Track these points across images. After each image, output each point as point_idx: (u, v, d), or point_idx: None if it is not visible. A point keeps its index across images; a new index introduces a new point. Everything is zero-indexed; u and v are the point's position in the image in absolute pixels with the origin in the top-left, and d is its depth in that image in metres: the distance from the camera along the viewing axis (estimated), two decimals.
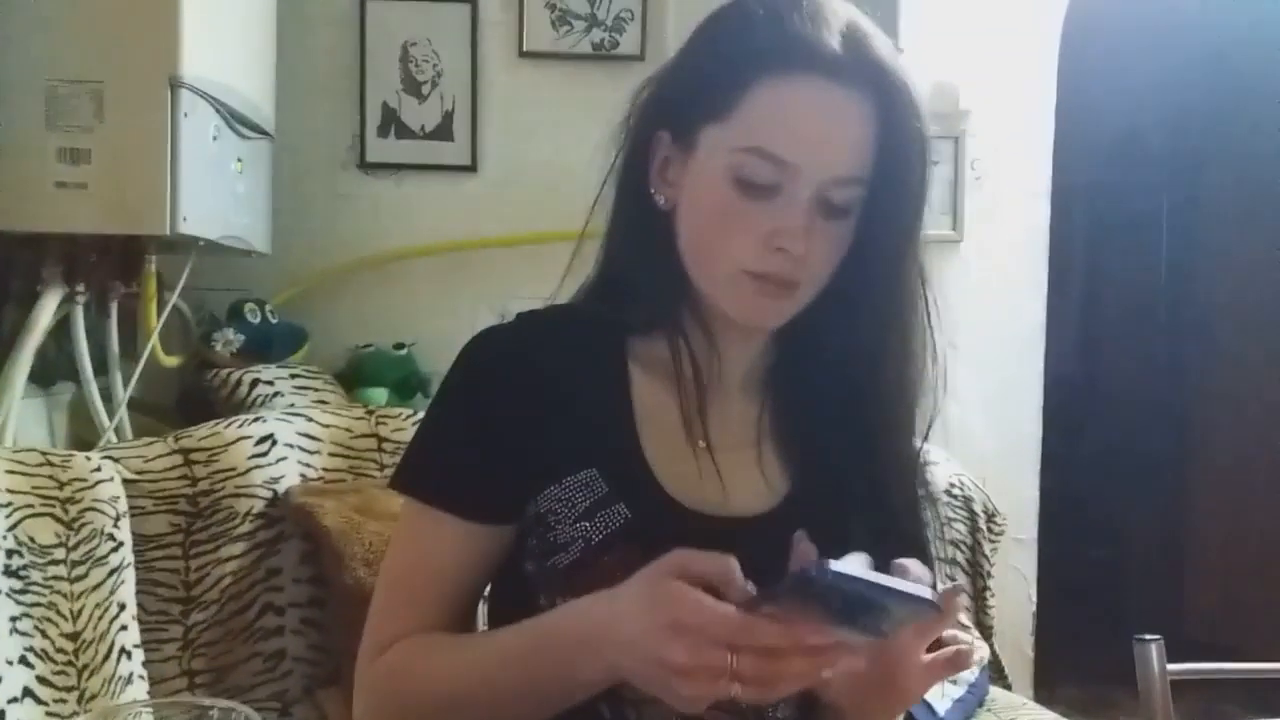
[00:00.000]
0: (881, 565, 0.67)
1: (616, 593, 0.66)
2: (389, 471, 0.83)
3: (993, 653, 1.81)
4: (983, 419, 2.13)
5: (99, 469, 1.35)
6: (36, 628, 1.20)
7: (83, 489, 1.31)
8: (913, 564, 0.64)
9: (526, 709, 0.71)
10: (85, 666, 1.24)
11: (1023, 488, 2.24)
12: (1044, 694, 2.17)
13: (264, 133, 1.84)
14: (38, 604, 1.21)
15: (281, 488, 1.51)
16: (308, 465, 1.56)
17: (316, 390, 1.89)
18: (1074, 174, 2.54)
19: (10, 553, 1.19)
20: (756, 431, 0.81)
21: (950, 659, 0.66)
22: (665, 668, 0.61)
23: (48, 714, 1.18)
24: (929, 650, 0.68)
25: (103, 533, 1.30)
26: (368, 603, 0.80)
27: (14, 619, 1.17)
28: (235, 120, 1.69)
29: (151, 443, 1.50)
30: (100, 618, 1.27)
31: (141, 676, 1.32)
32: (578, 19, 2.12)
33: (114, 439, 1.65)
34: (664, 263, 0.78)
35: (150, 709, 0.55)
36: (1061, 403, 2.50)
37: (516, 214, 2.09)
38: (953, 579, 1.79)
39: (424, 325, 2.06)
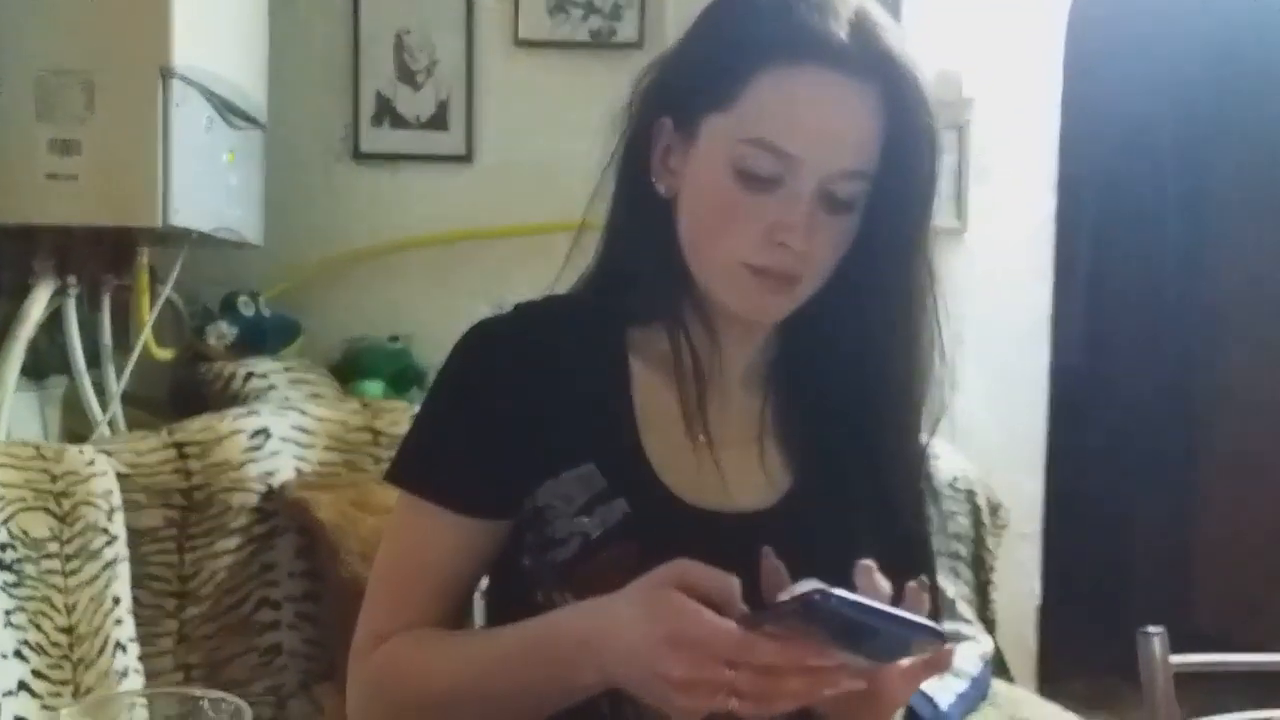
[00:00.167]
0: (883, 565, 0.65)
1: (615, 599, 0.65)
2: (384, 465, 0.81)
3: (996, 646, 1.80)
4: (987, 411, 2.11)
5: (92, 463, 1.35)
6: (31, 621, 1.19)
7: (76, 483, 1.30)
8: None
9: (521, 709, 0.71)
10: (80, 660, 1.23)
11: (1027, 481, 2.23)
12: (1047, 688, 2.16)
13: (257, 123, 1.83)
14: (32, 597, 1.21)
15: (276, 482, 1.50)
16: (302, 459, 1.55)
17: (311, 383, 1.88)
18: (1080, 164, 2.52)
19: (3, 546, 1.19)
20: (758, 426, 0.79)
21: (928, 663, 0.64)
22: (663, 679, 0.61)
23: (43, 707, 1.17)
24: None
25: (96, 526, 1.30)
26: (363, 596, 0.79)
27: (8, 613, 1.17)
28: (227, 110, 1.67)
29: (145, 436, 1.49)
30: (94, 612, 1.27)
31: (136, 670, 1.31)
32: (574, 6, 2.10)
33: (107, 433, 1.64)
34: (664, 253, 0.76)
35: (142, 700, 0.54)
36: (1067, 395, 2.48)
37: (513, 204, 2.08)
38: (956, 574, 1.78)
39: (419, 317, 2.05)
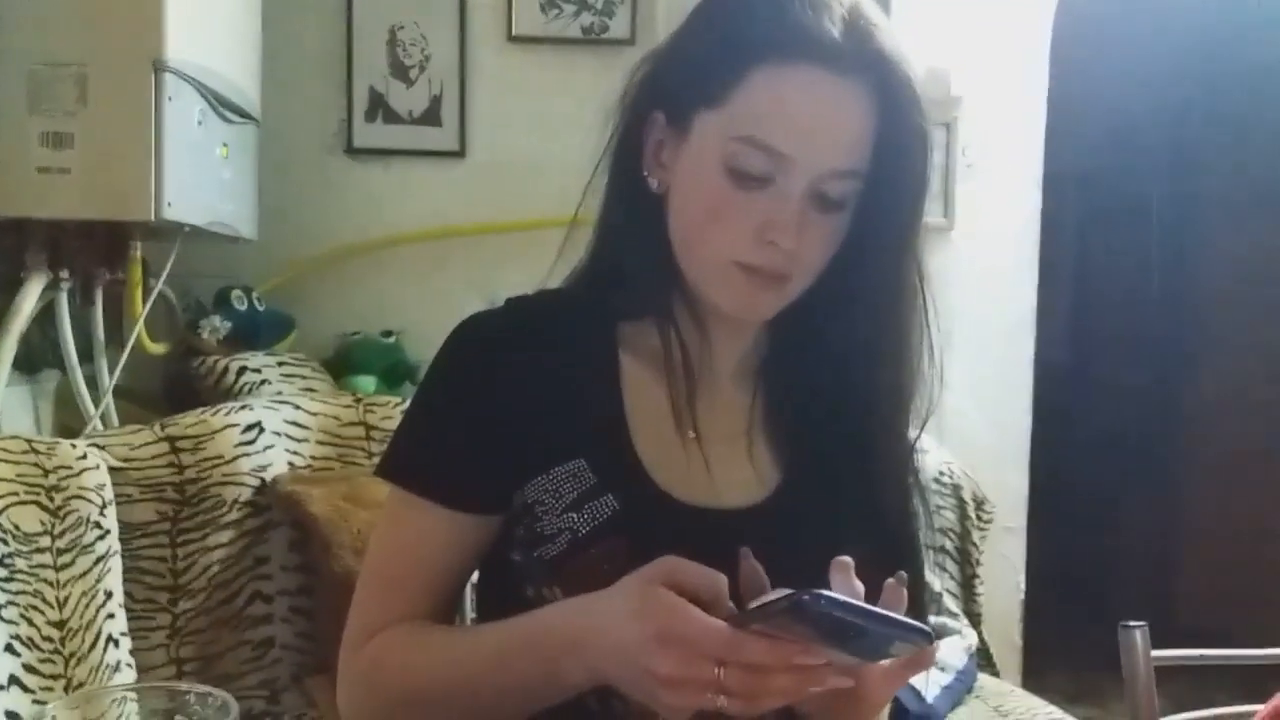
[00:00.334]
0: (871, 562, 0.66)
1: (603, 596, 0.65)
2: (377, 459, 0.82)
3: (981, 640, 1.81)
4: (973, 407, 2.13)
5: (84, 456, 1.35)
6: (22, 615, 1.19)
7: (68, 476, 1.30)
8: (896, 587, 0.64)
9: (510, 705, 0.71)
10: (72, 654, 1.23)
11: (1013, 475, 2.25)
12: (1032, 681, 2.18)
13: (250, 117, 1.82)
14: (23, 591, 1.20)
15: (269, 476, 1.50)
16: (295, 453, 1.55)
17: (304, 378, 1.88)
18: (1066, 161, 2.54)
19: None
20: (748, 422, 0.79)
21: (910, 661, 0.65)
22: (651, 677, 0.61)
23: (34, 702, 1.17)
24: None
25: (88, 520, 1.29)
26: (355, 591, 0.80)
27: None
28: (221, 105, 1.67)
29: (138, 430, 1.49)
30: (87, 606, 1.27)
31: (129, 664, 1.31)
32: (567, 3, 2.11)
33: (100, 426, 1.64)
34: (655, 248, 0.76)
35: (130, 694, 0.54)
36: (1052, 390, 2.51)
37: (505, 200, 2.08)
38: (942, 568, 1.80)
39: (412, 312, 2.05)
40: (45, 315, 1.58)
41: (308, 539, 1.49)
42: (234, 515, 1.47)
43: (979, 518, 1.86)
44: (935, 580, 1.75)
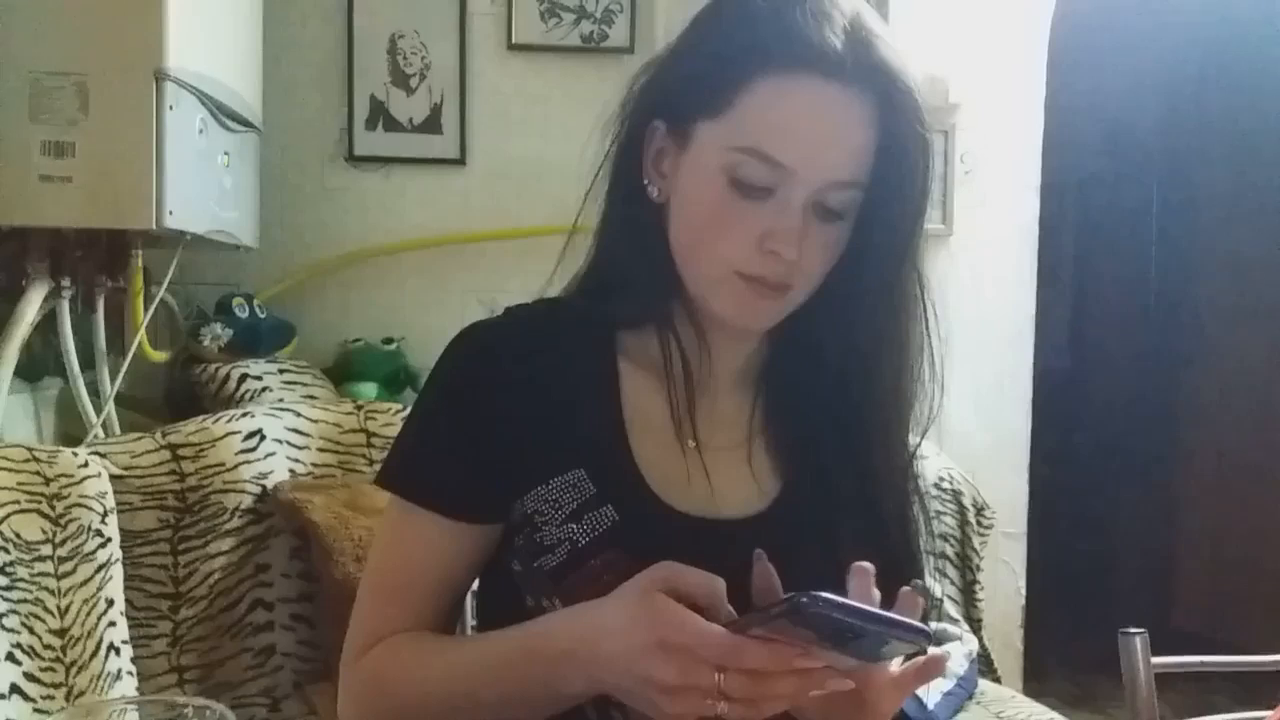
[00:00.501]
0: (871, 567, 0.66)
1: (602, 605, 0.65)
2: (378, 466, 0.81)
3: (982, 646, 1.81)
4: (972, 413, 2.13)
5: (86, 465, 1.35)
6: (23, 624, 1.20)
7: (70, 485, 1.31)
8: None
9: (510, 715, 0.71)
10: (73, 663, 1.24)
11: (1012, 481, 2.25)
12: (1033, 687, 2.18)
13: (251, 126, 1.83)
14: (24, 600, 1.21)
15: (270, 483, 1.51)
16: (296, 460, 1.56)
17: (305, 385, 1.89)
18: (1064, 168, 2.55)
19: None
20: (747, 430, 0.79)
21: (920, 670, 0.65)
22: (652, 685, 0.60)
23: (35, 710, 1.17)
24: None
25: (90, 529, 1.30)
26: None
27: (0, 615, 1.17)
28: (222, 113, 1.68)
29: (139, 438, 1.50)
30: (88, 614, 1.27)
31: (130, 672, 1.31)
32: (567, 11, 2.11)
33: (101, 435, 1.64)
34: (655, 256, 0.76)
35: (128, 707, 0.54)
36: (1051, 396, 2.51)
37: (506, 207, 2.09)
38: (942, 573, 1.80)
39: (413, 320, 2.06)
40: (47, 323, 1.58)
41: (309, 546, 1.49)
42: (235, 523, 1.47)
43: (979, 523, 1.87)
44: (936, 586, 1.75)
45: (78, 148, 1.42)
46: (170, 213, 1.47)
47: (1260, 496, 3.22)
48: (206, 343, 1.86)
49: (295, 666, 1.50)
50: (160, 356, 1.80)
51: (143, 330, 1.66)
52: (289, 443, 1.57)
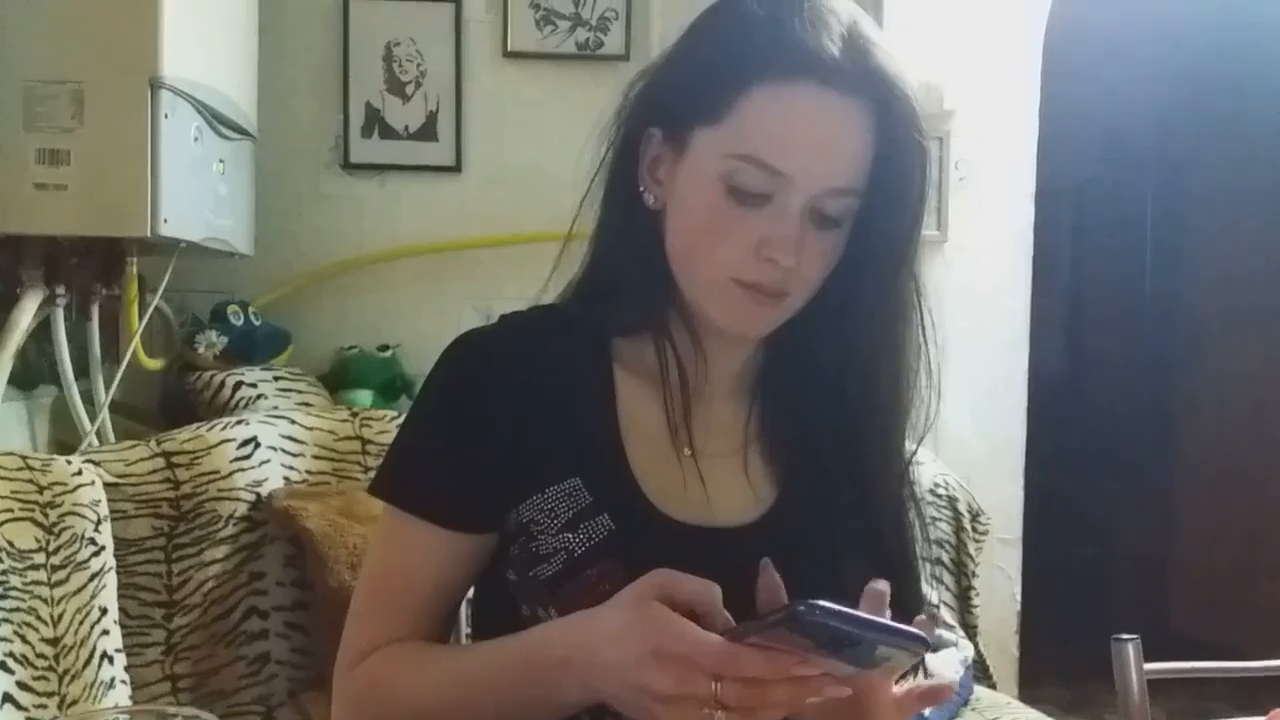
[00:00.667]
0: (868, 576, 0.66)
1: (597, 614, 0.65)
2: (373, 474, 0.81)
3: (977, 652, 1.81)
4: (968, 418, 2.14)
5: (79, 473, 1.34)
6: (16, 633, 1.19)
7: (63, 493, 1.30)
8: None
9: None
10: (66, 671, 1.23)
11: (1008, 487, 2.25)
12: (1028, 693, 2.18)
13: (246, 133, 1.83)
14: (17, 609, 1.20)
15: (265, 490, 1.50)
16: (291, 468, 1.55)
17: (300, 392, 1.88)
18: (1058, 174, 2.55)
19: None
20: (743, 438, 0.79)
21: (925, 693, 0.65)
22: (648, 694, 0.60)
23: (28, 719, 1.17)
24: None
25: (83, 537, 1.29)
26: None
27: None
28: (217, 121, 1.68)
29: (133, 446, 1.49)
30: (81, 622, 1.26)
31: (124, 681, 1.31)
32: (562, 19, 2.12)
33: (95, 442, 1.64)
34: (651, 263, 0.76)
35: (124, 716, 0.54)
36: (1046, 402, 2.51)
37: (501, 215, 2.09)
38: (938, 580, 1.80)
39: (409, 327, 2.06)
40: (41, 331, 1.58)
41: (303, 554, 1.49)
42: (229, 530, 1.47)
43: (974, 530, 1.87)
44: (931, 592, 1.75)
45: (73, 155, 1.42)
46: (165, 220, 1.47)
47: (1256, 501, 3.22)
48: (201, 350, 1.86)
49: (290, 675, 1.49)
50: (155, 364, 1.80)
51: (137, 338, 1.66)
52: (284, 450, 1.56)
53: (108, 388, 1.68)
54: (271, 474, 1.52)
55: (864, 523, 0.76)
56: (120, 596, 1.35)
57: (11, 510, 1.24)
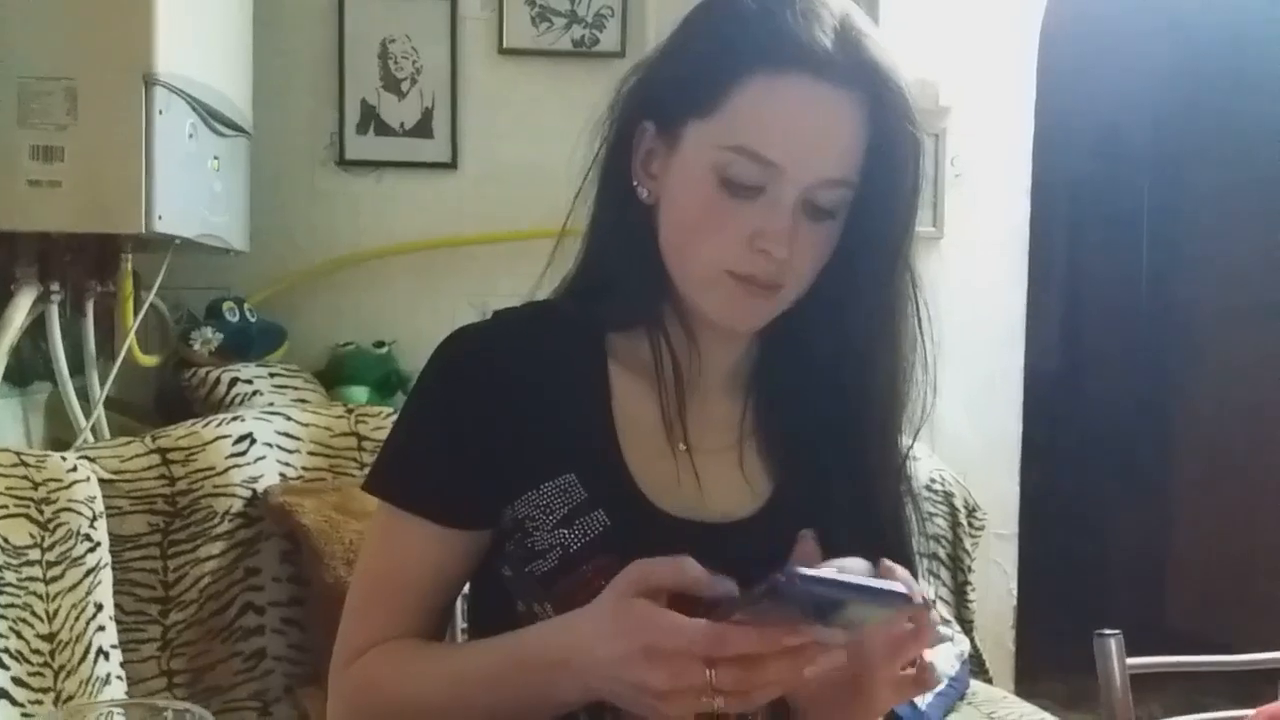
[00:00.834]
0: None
1: (584, 616, 0.65)
2: (368, 470, 0.81)
3: (974, 646, 1.82)
4: (964, 414, 2.14)
5: (75, 469, 1.34)
6: (11, 629, 1.19)
7: (58, 489, 1.30)
8: (898, 570, 0.64)
9: None
10: (62, 667, 1.23)
11: (1004, 482, 2.26)
12: (1025, 687, 2.18)
13: (241, 130, 1.83)
14: (12, 605, 1.20)
15: (260, 487, 1.50)
16: (287, 464, 1.55)
17: (296, 389, 1.88)
18: (1054, 170, 2.56)
19: None
20: (739, 432, 0.79)
21: (918, 678, 0.65)
22: (645, 691, 0.61)
23: (23, 715, 1.17)
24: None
25: (79, 533, 1.29)
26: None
27: None
28: (212, 118, 1.68)
29: (129, 442, 1.49)
30: (76, 618, 1.26)
31: (119, 677, 1.31)
32: (558, 15, 2.12)
33: (91, 439, 1.63)
34: (645, 258, 0.76)
35: (112, 710, 0.54)
36: (1042, 398, 2.52)
37: (497, 211, 2.09)
38: (934, 575, 1.80)
39: (404, 323, 2.06)
40: (36, 328, 1.58)
41: (299, 550, 1.49)
42: (225, 527, 1.47)
43: (970, 525, 1.87)
44: (928, 587, 1.75)
45: (67, 152, 1.42)
46: (160, 217, 1.46)
47: (1252, 496, 3.23)
48: (197, 347, 1.85)
49: (286, 670, 1.49)
50: (150, 361, 1.79)
51: (132, 334, 1.65)
52: (279, 446, 1.56)
53: (103, 384, 1.68)
54: (267, 470, 1.53)
55: (860, 518, 0.76)
56: (116, 592, 1.35)
57: (6, 506, 1.24)
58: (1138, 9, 3.14)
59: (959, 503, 1.86)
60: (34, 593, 1.23)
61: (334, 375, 2.01)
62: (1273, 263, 3.19)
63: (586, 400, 0.77)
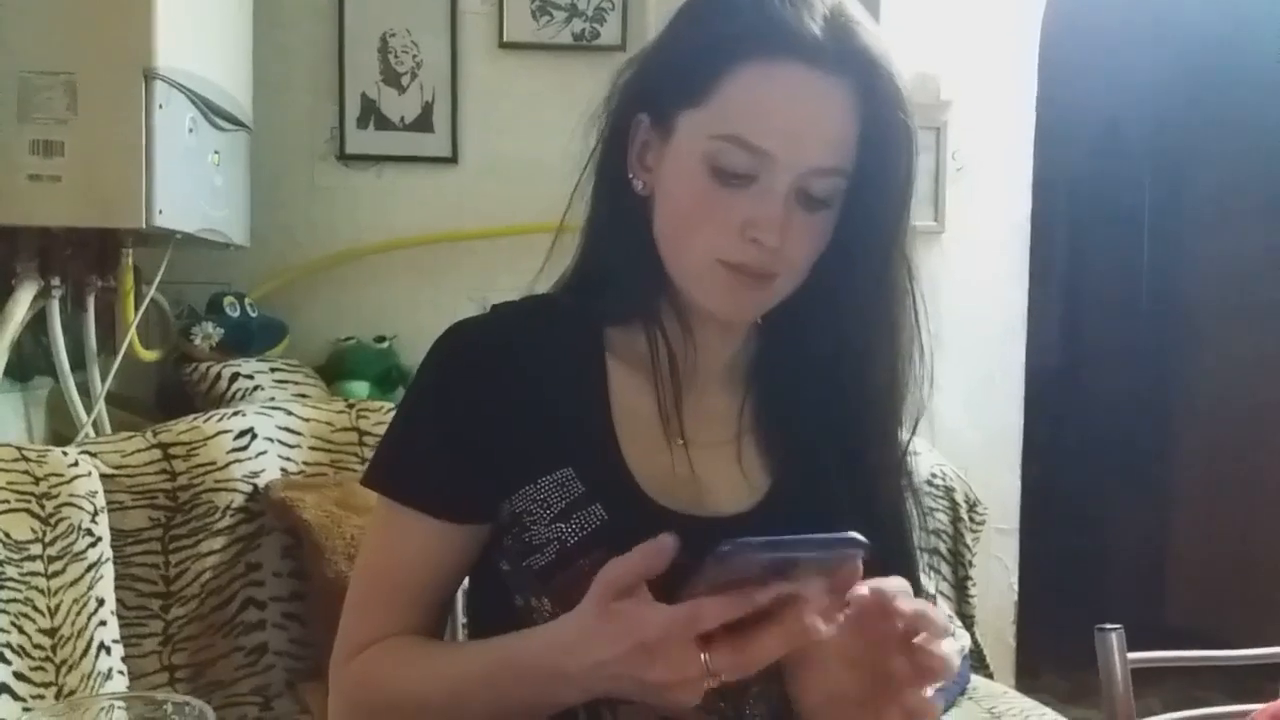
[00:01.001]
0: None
1: (569, 628, 0.65)
2: (367, 465, 0.81)
3: (974, 642, 1.82)
4: (965, 409, 2.14)
5: (76, 464, 1.34)
6: (13, 623, 1.19)
7: (59, 484, 1.30)
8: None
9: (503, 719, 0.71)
10: (63, 662, 1.23)
11: (1004, 478, 2.25)
12: (1025, 682, 2.19)
13: (242, 124, 1.83)
14: (14, 599, 1.20)
15: (261, 482, 1.51)
16: (288, 459, 1.55)
17: (297, 384, 1.88)
18: (1055, 165, 2.55)
19: None
20: (737, 426, 0.78)
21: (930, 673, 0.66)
22: (649, 685, 0.62)
23: (25, 710, 1.17)
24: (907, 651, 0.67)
25: (80, 528, 1.29)
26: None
27: None
28: (212, 112, 1.67)
29: (130, 437, 1.49)
30: (78, 613, 1.26)
31: (121, 672, 1.31)
32: (558, 9, 2.11)
33: (92, 434, 1.64)
34: (641, 251, 0.75)
35: (120, 703, 0.54)
36: (1043, 393, 2.52)
37: (497, 205, 2.08)
38: (935, 570, 1.80)
39: (405, 318, 2.06)
40: (37, 323, 1.58)
41: (300, 545, 1.49)
42: (226, 521, 1.47)
43: (971, 520, 1.87)
44: (929, 582, 1.75)
45: (67, 147, 1.42)
46: (160, 212, 1.46)
47: (1252, 492, 3.23)
48: (198, 342, 1.85)
49: (287, 665, 1.50)
50: (151, 356, 1.79)
51: (133, 329, 1.65)
52: (280, 441, 1.56)
53: (104, 379, 1.68)
54: (268, 465, 1.53)
55: (860, 512, 0.75)
56: (117, 587, 1.35)
57: (8, 501, 1.24)
58: (1139, 4, 3.14)
59: (960, 498, 1.86)
60: (35, 587, 1.23)
61: (335, 370, 2.01)
62: (1273, 258, 3.18)
63: (584, 394, 0.76)
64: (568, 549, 0.72)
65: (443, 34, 2.09)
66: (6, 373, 1.52)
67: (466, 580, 0.81)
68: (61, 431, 1.69)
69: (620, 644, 0.61)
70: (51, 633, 1.23)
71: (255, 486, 1.50)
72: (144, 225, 1.45)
